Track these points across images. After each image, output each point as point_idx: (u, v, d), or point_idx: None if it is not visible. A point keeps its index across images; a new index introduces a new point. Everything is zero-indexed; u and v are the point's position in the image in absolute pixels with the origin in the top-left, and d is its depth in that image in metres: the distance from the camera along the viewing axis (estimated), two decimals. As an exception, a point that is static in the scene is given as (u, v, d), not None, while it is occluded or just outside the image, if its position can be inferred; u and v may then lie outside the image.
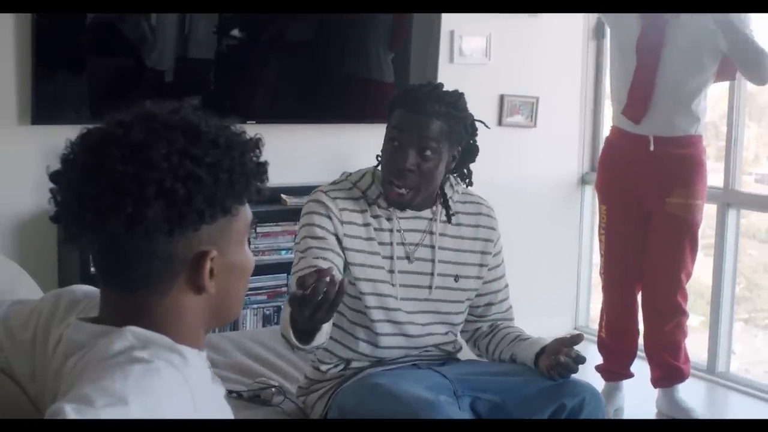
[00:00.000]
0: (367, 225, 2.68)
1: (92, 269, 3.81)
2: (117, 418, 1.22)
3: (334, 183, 2.74)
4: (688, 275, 4.31)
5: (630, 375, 4.47)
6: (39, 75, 4.03)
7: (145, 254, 1.38)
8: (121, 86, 4.29)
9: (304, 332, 2.29)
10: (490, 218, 2.85)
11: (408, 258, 2.71)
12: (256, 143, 1.47)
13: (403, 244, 2.71)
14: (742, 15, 3.98)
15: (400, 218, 2.71)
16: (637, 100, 4.14)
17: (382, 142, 2.70)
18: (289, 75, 4.74)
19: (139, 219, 1.34)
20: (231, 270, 1.47)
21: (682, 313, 4.30)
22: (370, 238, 2.67)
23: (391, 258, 2.69)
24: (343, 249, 2.62)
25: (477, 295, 2.84)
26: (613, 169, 4.34)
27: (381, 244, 2.69)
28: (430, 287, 2.73)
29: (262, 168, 1.46)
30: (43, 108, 4.04)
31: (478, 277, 2.81)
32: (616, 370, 4.46)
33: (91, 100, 4.19)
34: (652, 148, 4.15)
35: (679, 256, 4.24)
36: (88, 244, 1.40)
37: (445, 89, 2.69)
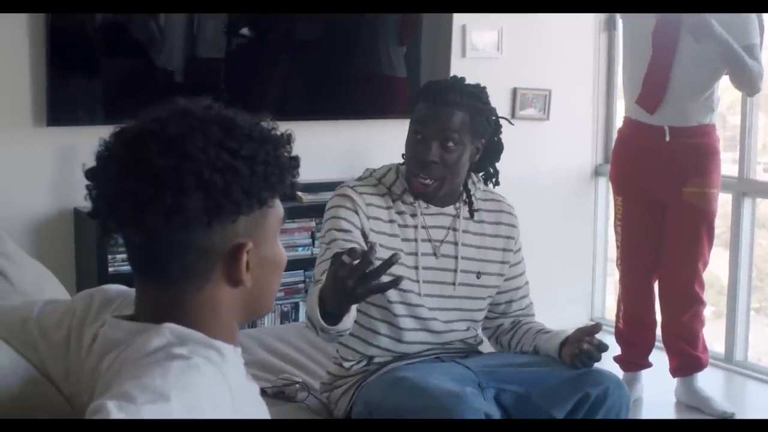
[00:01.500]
0: (391, 222, 2.68)
1: (110, 269, 3.89)
2: (159, 415, 1.22)
3: (359, 179, 2.75)
4: (705, 264, 4.31)
5: (648, 365, 4.47)
6: (53, 77, 4.03)
7: (182, 247, 1.38)
8: (134, 87, 4.28)
9: (332, 315, 2.29)
10: (511, 216, 2.87)
11: (435, 254, 2.72)
12: (288, 138, 1.48)
13: (429, 240, 2.71)
14: (747, 26, 4.00)
15: (424, 214, 2.71)
16: (652, 90, 4.14)
17: (405, 136, 2.71)
18: (300, 72, 4.73)
19: (178, 211, 1.34)
20: (265, 263, 1.47)
21: (700, 303, 4.30)
22: (394, 235, 2.68)
23: (415, 254, 2.70)
24: (369, 244, 2.62)
25: (498, 293, 2.85)
26: (627, 160, 4.35)
27: (405, 240, 2.69)
28: (453, 284, 2.74)
29: (294, 162, 1.48)
30: (57, 110, 4.04)
31: (500, 275, 2.82)
32: (634, 360, 4.46)
33: (105, 102, 4.19)
34: (667, 138, 4.15)
35: (695, 246, 4.24)
36: (127, 238, 1.41)
37: (467, 82, 2.71)
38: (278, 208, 1.49)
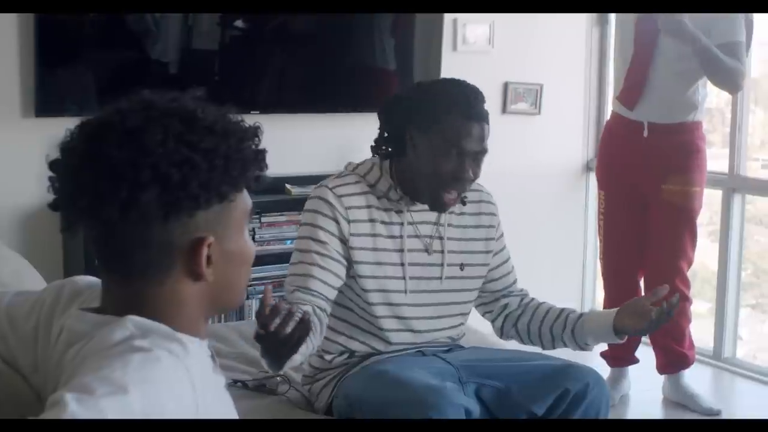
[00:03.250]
0: (372, 221, 2.65)
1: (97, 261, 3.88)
2: (117, 408, 1.22)
3: (339, 176, 2.69)
4: (689, 262, 4.30)
5: (635, 360, 4.46)
6: (42, 67, 4.04)
7: (141, 241, 1.38)
8: (126, 78, 4.29)
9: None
10: (491, 204, 2.86)
11: (426, 250, 2.71)
12: (254, 131, 1.47)
13: (417, 236, 2.70)
14: (731, 24, 3.98)
15: (411, 211, 2.70)
16: (632, 85, 4.16)
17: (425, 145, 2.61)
18: (293, 65, 4.74)
19: (133, 204, 1.34)
20: (230, 258, 1.47)
21: (685, 299, 4.26)
22: (375, 234, 2.65)
23: (401, 251, 2.68)
24: (349, 249, 2.60)
25: (492, 280, 2.86)
26: (610, 155, 4.38)
27: (390, 237, 2.67)
28: (440, 278, 2.74)
29: (260, 155, 1.47)
30: (47, 100, 4.05)
31: (484, 264, 2.82)
32: (620, 355, 4.45)
33: (95, 92, 4.20)
34: (646, 134, 4.16)
35: (677, 244, 4.23)
36: (86, 230, 1.41)
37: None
38: (244, 201, 1.48)
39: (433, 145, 2.57)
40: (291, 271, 2.63)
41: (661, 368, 4.40)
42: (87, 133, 1.40)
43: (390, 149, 2.69)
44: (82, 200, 1.36)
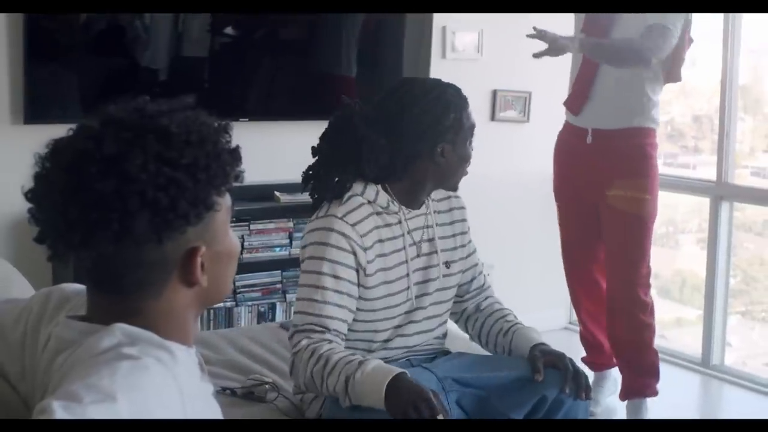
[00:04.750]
0: (380, 241, 2.62)
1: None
2: (105, 415, 1.22)
3: (343, 203, 2.59)
4: (647, 267, 4.14)
5: (614, 364, 4.36)
6: (31, 73, 4.03)
7: (135, 262, 1.38)
8: (115, 85, 4.29)
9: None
10: (458, 199, 2.85)
11: (419, 255, 2.71)
12: (225, 128, 1.47)
13: (414, 243, 2.70)
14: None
15: (407, 219, 2.69)
16: (578, 92, 4.11)
17: (450, 144, 2.62)
18: (283, 72, 4.75)
19: (126, 233, 1.34)
20: (219, 258, 1.48)
21: (643, 308, 4.13)
22: (383, 254, 2.63)
23: (406, 262, 2.68)
24: (365, 276, 2.57)
25: (464, 283, 2.87)
26: (559, 164, 4.31)
27: (395, 252, 2.66)
28: (438, 278, 2.75)
29: (235, 154, 1.47)
30: (35, 107, 4.04)
31: (461, 259, 2.83)
32: (598, 361, 4.40)
33: (84, 99, 4.19)
34: (589, 140, 4.07)
35: (630, 250, 4.10)
36: (78, 261, 1.39)
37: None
38: (225, 202, 1.48)
39: (462, 140, 2.64)
40: (305, 309, 2.53)
41: (623, 394, 4.24)
42: (63, 165, 1.37)
43: (391, 172, 2.63)
44: (72, 234, 1.35)
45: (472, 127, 2.67)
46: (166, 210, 1.35)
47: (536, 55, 3.76)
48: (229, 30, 4.70)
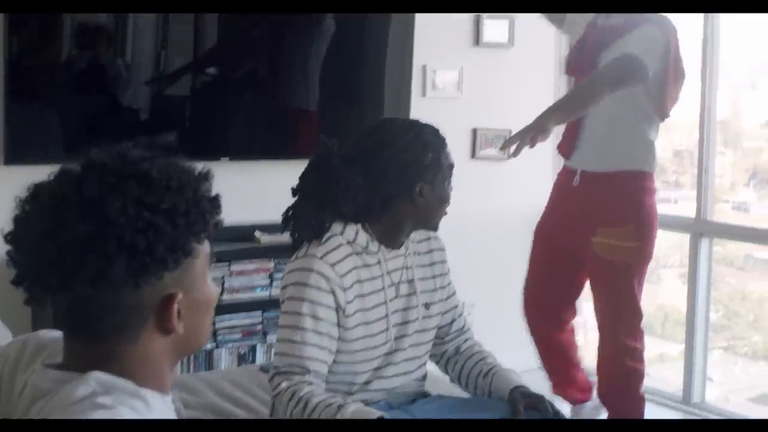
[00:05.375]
0: (360, 282, 2.61)
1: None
2: None
3: (323, 243, 2.58)
4: (638, 315, 3.96)
5: (589, 398, 4.25)
6: (12, 114, 4.02)
7: (111, 307, 1.38)
8: (97, 125, 4.29)
9: None
10: (438, 240, 2.84)
11: (398, 296, 2.70)
12: (206, 176, 1.47)
13: (393, 284, 2.69)
14: (631, 41, 3.68)
15: (387, 260, 2.68)
16: (569, 133, 3.95)
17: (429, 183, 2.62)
18: (264, 111, 4.76)
19: (103, 277, 1.34)
20: (197, 306, 1.48)
21: (632, 355, 3.96)
22: (362, 295, 2.62)
23: (384, 303, 2.67)
24: (345, 317, 2.56)
25: (444, 325, 2.86)
26: (549, 203, 4.12)
27: (374, 293, 2.64)
28: (417, 319, 2.73)
29: (215, 202, 1.47)
30: (16, 147, 4.03)
31: (441, 301, 2.82)
32: (576, 397, 4.28)
33: (65, 140, 4.18)
34: (576, 182, 3.88)
35: (617, 299, 3.91)
36: (54, 304, 1.40)
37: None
38: (204, 249, 1.48)
39: (441, 180, 2.63)
40: (285, 350, 2.52)
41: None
42: (44, 207, 1.37)
43: (370, 212, 2.62)
44: (49, 279, 1.35)
45: (451, 166, 2.66)
46: (143, 254, 1.35)
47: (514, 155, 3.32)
48: (211, 69, 4.71)
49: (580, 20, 3.93)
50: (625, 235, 3.79)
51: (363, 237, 2.62)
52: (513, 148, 3.27)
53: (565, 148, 3.95)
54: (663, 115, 3.84)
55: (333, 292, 2.53)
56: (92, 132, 4.19)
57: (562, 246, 3.99)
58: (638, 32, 3.68)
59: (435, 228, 2.75)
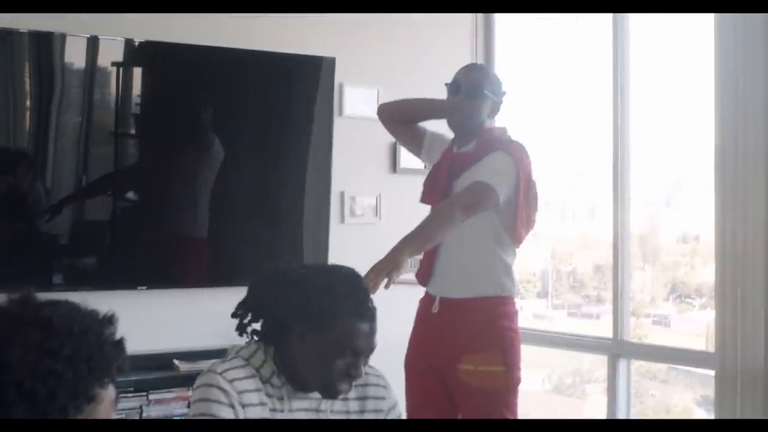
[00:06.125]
0: (263, 404, 2.52)
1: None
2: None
3: (225, 361, 2.55)
4: None
5: None
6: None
7: None
8: (16, 251, 4.26)
9: None
10: (378, 387, 2.71)
11: None
12: (110, 320, 1.48)
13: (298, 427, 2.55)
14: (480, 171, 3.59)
15: (291, 398, 2.57)
16: (425, 260, 3.83)
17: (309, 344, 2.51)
18: (181, 238, 4.76)
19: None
20: None
21: None
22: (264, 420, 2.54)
23: None
24: None
25: None
26: (412, 332, 3.91)
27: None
28: None
29: (120, 346, 1.48)
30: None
31: None
32: None
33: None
34: (435, 309, 3.75)
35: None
36: None
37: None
38: (108, 394, 1.47)
39: (325, 344, 2.49)
40: None
41: None
42: None
43: (268, 335, 2.58)
44: None
45: (350, 337, 2.49)
46: (44, 401, 1.35)
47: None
48: (130, 194, 4.71)
49: (437, 146, 3.87)
50: (490, 361, 3.67)
51: (269, 368, 2.56)
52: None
53: (422, 277, 3.84)
54: (517, 239, 3.77)
55: (232, 406, 2.45)
56: (10, 259, 4.16)
57: (433, 375, 3.79)
58: (487, 160, 3.64)
59: (320, 391, 2.57)
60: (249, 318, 2.61)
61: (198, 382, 2.54)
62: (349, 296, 2.52)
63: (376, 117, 3.99)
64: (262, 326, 2.61)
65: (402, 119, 3.94)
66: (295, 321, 2.52)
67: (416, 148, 3.99)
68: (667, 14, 4.45)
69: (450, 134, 3.84)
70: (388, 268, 3.08)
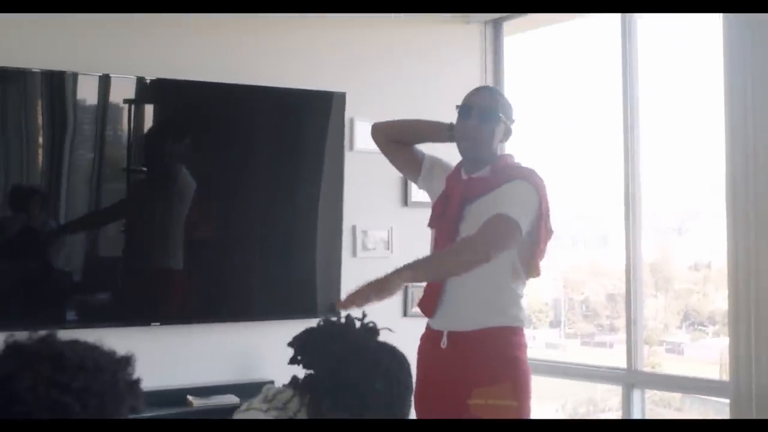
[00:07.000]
0: None
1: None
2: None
3: (264, 401, 2.51)
4: None
5: None
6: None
7: None
8: (28, 288, 4.27)
9: None
10: None
11: None
12: (127, 361, 1.49)
13: None
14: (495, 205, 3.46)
15: None
16: (430, 290, 3.68)
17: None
18: (195, 274, 4.76)
19: None
20: None
21: None
22: None
23: None
24: None
25: None
26: (418, 372, 3.56)
27: None
28: None
29: (135, 386, 1.48)
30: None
31: None
32: None
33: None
34: (444, 344, 3.59)
35: None
36: None
37: None
38: None
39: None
40: None
41: None
42: None
43: (309, 386, 2.52)
44: None
45: None
46: None
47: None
48: (142, 230, 4.73)
49: (438, 172, 3.75)
50: (502, 395, 3.55)
51: (296, 403, 2.50)
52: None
53: (428, 308, 3.67)
54: (534, 271, 3.65)
55: None
56: (24, 296, 4.18)
57: (444, 413, 3.61)
58: (508, 188, 3.50)
59: None
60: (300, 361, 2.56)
61: (236, 416, 2.49)
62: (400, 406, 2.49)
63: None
64: (308, 376, 2.55)
65: (398, 139, 3.79)
66: (343, 399, 2.46)
67: (413, 173, 3.84)
68: (677, 33, 4.42)
69: (449, 158, 3.73)
70: (382, 292, 3.09)
